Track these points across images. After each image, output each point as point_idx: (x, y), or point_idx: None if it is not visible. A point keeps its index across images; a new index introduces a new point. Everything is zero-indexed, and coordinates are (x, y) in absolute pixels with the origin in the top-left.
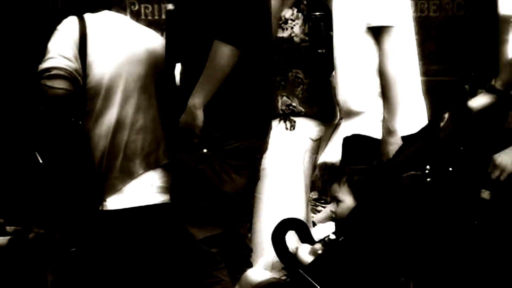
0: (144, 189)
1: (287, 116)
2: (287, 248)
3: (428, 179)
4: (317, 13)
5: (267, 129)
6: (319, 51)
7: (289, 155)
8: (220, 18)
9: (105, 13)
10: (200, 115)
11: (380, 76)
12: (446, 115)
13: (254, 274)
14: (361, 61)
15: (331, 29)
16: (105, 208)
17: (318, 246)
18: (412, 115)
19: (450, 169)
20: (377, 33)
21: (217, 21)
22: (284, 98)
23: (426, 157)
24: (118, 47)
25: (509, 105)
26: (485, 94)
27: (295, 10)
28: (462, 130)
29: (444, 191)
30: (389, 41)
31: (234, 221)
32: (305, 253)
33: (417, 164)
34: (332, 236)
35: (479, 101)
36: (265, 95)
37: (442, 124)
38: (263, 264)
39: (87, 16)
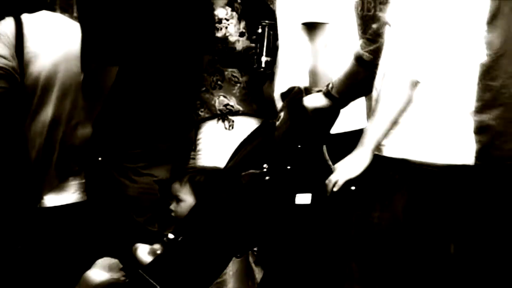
0: (81, 186)
1: (225, 115)
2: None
3: (267, 178)
4: (265, 22)
5: (169, 132)
6: (266, 59)
7: (228, 154)
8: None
9: (43, 13)
10: (86, 130)
11: (311, 73)
12: (282, 114)
13: (94, 275)
14: (297, 59)
15: (277, 37)
16: (43, 206)
17: (157, 246)
18: (351, 110)
19: (288, 167)
20: (310, 29)
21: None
22: (221, 98)
23: (264, 155)
24: (54, 45)
25: (337, 113)
26: (320, 96)
27: (229, 9)
28: (298, 129)
29: (283, 189)
30: (320, 38)
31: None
32: (144, 253)
33: (256, 162)
34: (171, 236)
35: (314, 101)
36: (159, 104)
37: (278, 123)
38: (102, 264)
39: (24, 16)
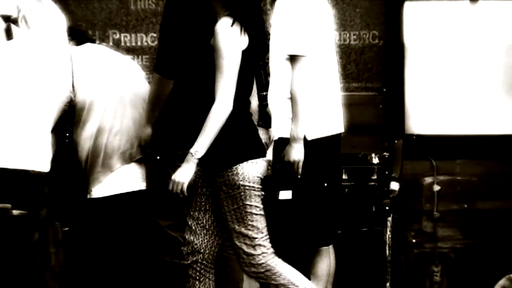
0: (121, 180)
1: None
2: None
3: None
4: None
5: None
6: (260, 94)
7: None
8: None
9: (88, 45)
10: (149, 131)
11: (290, 94)
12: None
13: None
14: (283, 82)
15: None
16: (91, 197)
17: None
18: (328, 122)
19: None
20: (292, 60)
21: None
22: None
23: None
24: (99, 71)
25: None
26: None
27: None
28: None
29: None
30: (299, 67)
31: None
32: None
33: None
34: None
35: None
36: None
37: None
38: None
39: (73, 49)
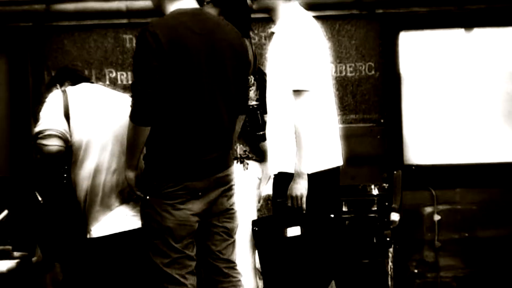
0: (120, 218)
1: (243, 159)
2: None
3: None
4: (254, 103)
5: (203, 172)
6: (257, 133)
7: (245, 189)
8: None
9: (83, 85)
10: (130, 174)
11: (294, 129)
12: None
13: None
14: (281, 117)
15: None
16: (91, 236)
17: None
18: (328, 155)
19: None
20: (295, 95)
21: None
22: (241, 145)
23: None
24: (95, 110)
25: None
26: None
27: (253, 78)
28: None
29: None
30: (302, 102)
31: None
32: None
33: None
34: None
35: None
36: (195, 147)
37: None
38: None
39: (69, 89)
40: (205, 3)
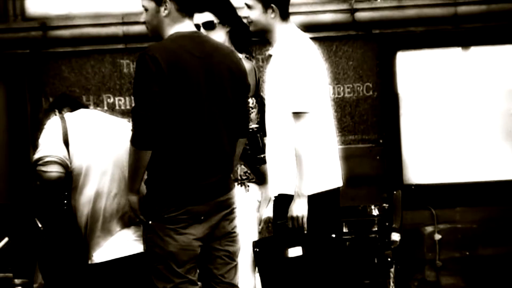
0: (122, 243)
1: (244, 181)
2: None
3: None
4: (253, 126)
5: (204, 196)
6: (258, 156)
7: (246, 212)
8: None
9: (82, 111)
10: (133, 198)
11: (295, 151)
12: None
13: None
14: (280, 139)
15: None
16: (93, 262)
17: None
18: (328, 177)
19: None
20: (295, 117)
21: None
22: (242, 166)
23: None
24: (93, 135)
25: None
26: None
27: (254, 100)
28: None
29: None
30: (302, 124)
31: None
32: None
33: None
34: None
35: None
36: (196, 171)
37: None
38: None
39: (67, 115)
40: (215, 23)
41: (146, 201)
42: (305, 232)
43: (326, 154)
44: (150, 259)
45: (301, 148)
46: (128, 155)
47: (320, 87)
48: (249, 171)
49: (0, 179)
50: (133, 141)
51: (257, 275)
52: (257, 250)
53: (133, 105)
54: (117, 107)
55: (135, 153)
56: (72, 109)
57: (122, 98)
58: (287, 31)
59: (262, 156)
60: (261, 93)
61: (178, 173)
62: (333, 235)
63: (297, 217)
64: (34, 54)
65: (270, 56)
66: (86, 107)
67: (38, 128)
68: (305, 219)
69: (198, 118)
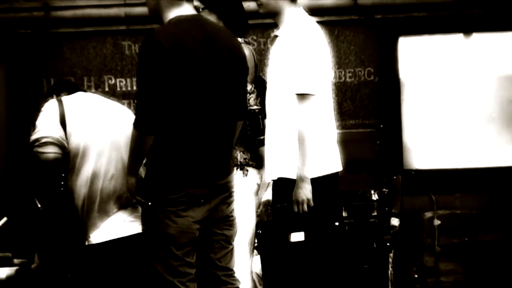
0: (119, 224)
1: (243, 166)
2: None
3: None
4: (255, 107)
5: (205, 179)
6: (258, 138)
7: (244, 195)
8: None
9: (79, 94)
10: (132, 180)
11: (298, 133)
12: None
13: None
14: (281, 121)
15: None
16: (90, 243)
17: None
18: (328, 161)
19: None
20: (299, 99)
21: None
22: (241, 153)
23: None
24: (90, 117)
25: None
26: None
27: (253, 86)
28: None
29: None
30: (307, 106)
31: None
32: None
33: None
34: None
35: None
36: (198, 154)
37: None
38: None
39: (65, 98)
40: (200, 9)
41: (146, 182)
42: (306, 216)
43: (327, 138)
44: (148, 240)
45: (305, 131)
46: (131, 139)
47: (324, 70)
48: (248, 157)
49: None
50: (137, 125)
51: (254, 258)
52: (260, 232)
53: (134, 87)
54: (118, 89)
55: (138, 138)
56: (70, 93)
57: (123, 80)
58: (295, 14)
59: (262, 138)
60: (262, 75)
61: (179, 155)
62: (337, 223)
63: (303, 201)
64: (35, 35)
65: (275, 37)
66: (84, 90)
67: (38, 109)
68: (311, 203)
69: (201, 101)
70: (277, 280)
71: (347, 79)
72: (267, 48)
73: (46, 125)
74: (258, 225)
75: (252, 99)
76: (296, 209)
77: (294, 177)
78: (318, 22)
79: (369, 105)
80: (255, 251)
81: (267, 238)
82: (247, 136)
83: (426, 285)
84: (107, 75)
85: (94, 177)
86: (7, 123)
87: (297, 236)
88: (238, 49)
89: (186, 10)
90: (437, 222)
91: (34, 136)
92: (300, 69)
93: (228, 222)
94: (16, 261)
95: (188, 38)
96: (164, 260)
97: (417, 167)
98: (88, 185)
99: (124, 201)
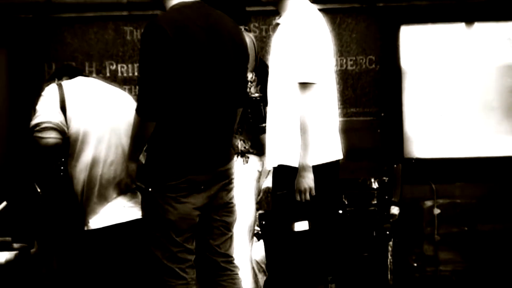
0: (118, 210)
1: (244, 153)
2: None
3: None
4: (257, 95)
5: (206, 166)
6: (260, 125)
7: (245, 182)
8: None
9: (79, 79)
10: (133, 166)
11: (300, 122)
12: None
13: None
14: (282, 109)
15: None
16: (89, 228)
17: None
18: (329, 149)
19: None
20: (301, 87)
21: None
22: (242, 141)
23: None
24: (91, 102)
25: None
26: None
27: (253, 74)
28: None
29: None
30: (309, 95)
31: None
32: None
33: None
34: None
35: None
36: (199, 140)
37: None
38: None
39: (65, 83)
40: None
41: (146, 168)
42: (308, 204)
43: (329, 126)
44: (148, 226)
45: (307, 119)
46: (132, 125)
47: (326, 59)
48: (249, 145)
49: (0, 144)
50: (139, 111)
51: (254, 245)
52: (264, 222)
53: (135, 72)
54: (119, 74)
55: (140, 124)
56: (71, 78)
57: (124, 65)
58: (297, 2)
59: (263, 125)
60: (264, 63)
61: (180, 141)
62: (340, 211)
63: (305, 190)
64: (37, 19)
65: (277, 25)
66: (85, 75)
67: (39, 94)
68: (313, 191)
69: (203, 87)
70: (281, 268)
71: (349, 67)
72: (268, 36)
73: (46, 110)
74: (261, 216)
75: (253, 87)
76: (298, 198)
77: (294, 164)
78: (319, 10)
79: (370, 93)
80: (255, 238)
81: (271, 227)
82: (249, 124)
83: (425, 273)
84: (109, 60)
85: (94, 162)
86: (8, 107)
87: (301, 225)
88: (239, 36)
89: None
90: (437, 211)
91: (34, 121)
92: (302, 58)
93: (227, 208)
94: (15, 245)
95: (191, 24)
96: (163, 246)
97: (417, 156)
98: (87, 171)
99: (124, 187)
